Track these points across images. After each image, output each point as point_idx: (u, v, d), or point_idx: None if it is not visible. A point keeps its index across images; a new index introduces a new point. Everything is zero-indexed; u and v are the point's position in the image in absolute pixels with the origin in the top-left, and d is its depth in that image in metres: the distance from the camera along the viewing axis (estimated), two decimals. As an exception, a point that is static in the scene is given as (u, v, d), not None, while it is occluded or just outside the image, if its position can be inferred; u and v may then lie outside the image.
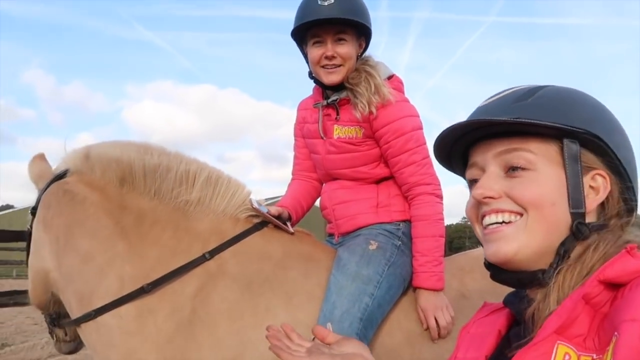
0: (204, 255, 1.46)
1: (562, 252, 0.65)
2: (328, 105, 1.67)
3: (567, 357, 0.55)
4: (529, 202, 0.66)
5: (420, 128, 1.61)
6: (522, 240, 0.66)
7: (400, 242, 1.59)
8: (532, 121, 0.66)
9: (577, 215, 0.65)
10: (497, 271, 0.71)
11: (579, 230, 0.64)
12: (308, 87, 1.82)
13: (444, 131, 0.73)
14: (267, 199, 1.71)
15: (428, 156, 1.59)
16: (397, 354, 1.43)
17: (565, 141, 0.67)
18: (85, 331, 1.47)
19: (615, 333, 0.51)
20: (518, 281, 0.69)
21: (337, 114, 1.65)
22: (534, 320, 0.63)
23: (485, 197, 0.69)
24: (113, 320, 1.40)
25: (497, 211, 0.68)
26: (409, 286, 1.57)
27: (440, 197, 1.60)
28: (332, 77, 1.60)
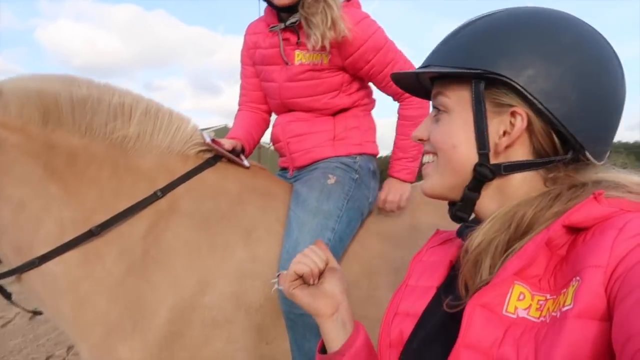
0: (155, 193, 1.37)
1: (467, 191, 0.68)
2: (286, 29, 1.55)
3: (521, 296, 0.56)
4: (436, 145, 0.70)
5: (388, 37, 1.58)
6: (435, 179, 0.71)
7: (357, 176, 1.58)
8: (424, 70, 0.69)
9: (482, 157, 0.65)
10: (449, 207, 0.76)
11: (479, 172, 0.66)
12: (244, 13, 1.67)
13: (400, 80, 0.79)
14: (201, 129, 1.60)
15: (407, 59, 1.60)
16: (356, 285, 1.46)
17: (474, 82, 0.65)
18: (29, 282, 1.36)
19: (578, 277, 0.51)
20: (450, 214, 0.73)
21: (299, 38, 1.54)
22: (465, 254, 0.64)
23: (418, 139, 0.75)
24: (58, 268, 1.30)
25: (426, 152, 0.74)
26: (365, 218, 1.59)
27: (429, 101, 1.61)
28: None
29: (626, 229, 0.51)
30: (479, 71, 0.64)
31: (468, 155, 0.66)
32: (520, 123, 0.63)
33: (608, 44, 0.66)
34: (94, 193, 1.35)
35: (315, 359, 0.78)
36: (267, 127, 1.84)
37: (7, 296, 1.43)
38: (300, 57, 1.55)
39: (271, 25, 1.59)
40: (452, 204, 0.73)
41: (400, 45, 1.61)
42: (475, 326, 0.56)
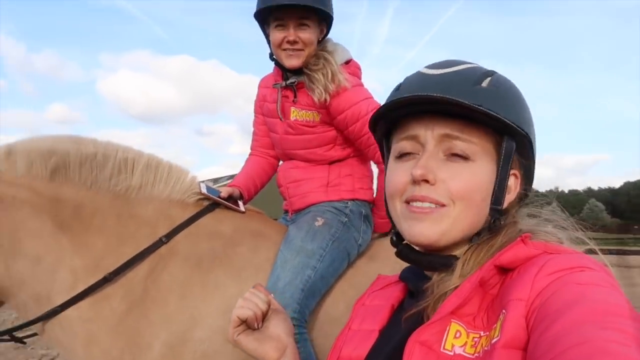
0: (160, 239, 1.51)
1: (474, 242, 0.69)
2: (286, 87, 1.72)
3: (458, 334, 0.59)
4: (462, 195, 0.66)
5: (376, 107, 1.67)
6: (448, 226, 0.66)
7: (346, 219, 1.67)
8: (497, 115, 0.65)
9: (496, 212, 0.69)
10: (409, 250, 0.72)
11: (495, 226, 0.69)
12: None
13: (396, 100, 0.69)
14: (200, 181, 1.72)
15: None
16: (341, 322, 1.48)
17: (506, 138, 0.67)
18: (49, 329, 1.50)
19: (503, 310, 0.55)
20: (429, 263, 0.70)
21: (295, 97, 1.71)
22: (431, 294, 0.65)
23: (424, 179, 0.66)
24: (73, 312, 1.45)
25: (423, 199, 0.67)
26: (355, 259, 1.66)
27: None
28: (293, 61, 1.65)
29: (546, 267, 0.57)
30: (523, 132, 0.68)
31: (487, 208, 0.69)
32: (516, 184, 0.73)
33: None
34: (100, 241, 1.50)
35: None
36: (274, 171, 1.98)
37: (21, 341, 1.58)
38: (295, 114, 1.72)
39: (274, 83, 1.78)
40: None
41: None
42: None
